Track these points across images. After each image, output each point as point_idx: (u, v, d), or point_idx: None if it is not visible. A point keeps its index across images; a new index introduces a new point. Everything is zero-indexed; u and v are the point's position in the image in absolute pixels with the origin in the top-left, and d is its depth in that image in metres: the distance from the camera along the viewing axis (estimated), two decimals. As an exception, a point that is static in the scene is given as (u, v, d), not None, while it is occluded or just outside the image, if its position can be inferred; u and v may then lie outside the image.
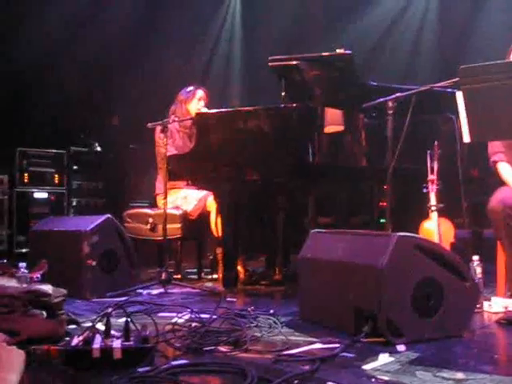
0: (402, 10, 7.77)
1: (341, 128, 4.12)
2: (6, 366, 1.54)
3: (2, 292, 2.80)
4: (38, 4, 6.54)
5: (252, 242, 4.93)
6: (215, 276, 4.91)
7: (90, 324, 2.66)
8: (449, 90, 3.51)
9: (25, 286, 3.11)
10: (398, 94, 3.58)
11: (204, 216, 4.87)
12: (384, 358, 2.37)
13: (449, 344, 2.61)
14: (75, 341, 2.29)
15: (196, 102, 5.08)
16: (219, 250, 4.70)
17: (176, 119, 4.88)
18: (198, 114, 4.48)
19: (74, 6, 6.78)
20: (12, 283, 3.20)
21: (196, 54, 7.79)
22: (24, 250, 6.10)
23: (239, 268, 4.59)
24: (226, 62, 8.27)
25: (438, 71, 7.01)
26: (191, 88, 5.15)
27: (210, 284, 4.67)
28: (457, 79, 2.85)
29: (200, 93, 5.12)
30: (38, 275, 3.38)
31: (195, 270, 5.13)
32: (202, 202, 4.87)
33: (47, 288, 2.93)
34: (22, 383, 1.58)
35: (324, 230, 3.35)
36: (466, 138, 2.76)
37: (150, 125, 4.41)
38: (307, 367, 2.22)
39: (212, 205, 4.76)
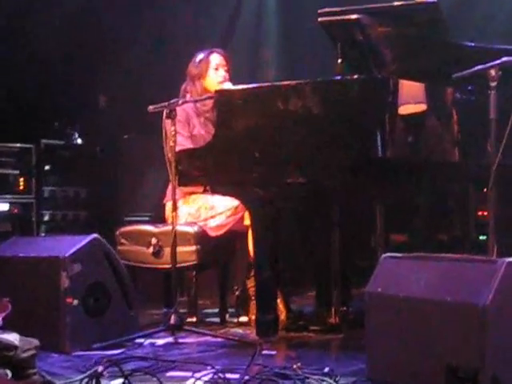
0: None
1: (422, 107, 4.10)
2: None
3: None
4: None
5: (297, 269, 4.92)
6: (245, 319, 4.90)
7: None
8: None
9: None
10: (504, 59, 3.53)
11: (233, 233, 4.87)
12: None
13: None
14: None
15: (214, 75, 5.09)
16: (251, 283, 4.69)
17: (189, 99, 4.90)
18: (218, 92, 4.48)
19: None
20: (-36, 331, 3.24)
21: (215, 6, 7.78)
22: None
23: (280, 307, 4.58)
24: (255, 18, 8.22)
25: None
26: (201, 55, 5.16)
27: (238, 330, 4.66)
28: None
29: (216, 58, 5.13)
30: (-1, 320, 3.41)
31: (217, 311, 5.13)
32: (235, 214, 4.84)
33: (12, 338, 2.96)
34: None
35: (400, 254, 3.32)
36: None
37: (151, 108, 4.41)
38: None
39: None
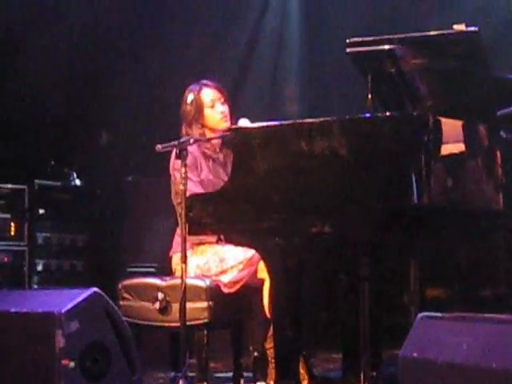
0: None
1: (462, 148, 4.09)
2: None
3: None
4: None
5: (321, 331, 4.90)
6: (263, 384, 4.88)
7: None
8: None
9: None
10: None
11: (248, 289, 4.85)
12: None
13: None
14: None
15: (211, 114, 5.08)
16: (270, 344, 4.67)
17: (201, 138, 4.92)
18: (234, 130, 4.50)
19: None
20: None
21: (229, 36, 7.83)
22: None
23: (302, 372, 4.55)
24: (276, 47, 8.23)
25: None
26: (191, 96, 5.11)
27: (255, 398, 4.64)
28: None
29: (208, 94, 5.10)
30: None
31: (230, 375, 5.11)
32: (248, 267, 4.84)
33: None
34: None
35: (438, 314, 3.30)
36: None
37: (159, 147, 4.42)
38: None
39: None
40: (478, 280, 5.35)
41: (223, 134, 4.79)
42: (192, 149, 4.89)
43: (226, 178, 4.76)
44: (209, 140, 5.00)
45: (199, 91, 5.13)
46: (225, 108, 5.10)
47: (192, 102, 5.10)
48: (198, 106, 5.09)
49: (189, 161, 4.80)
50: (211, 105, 5.09)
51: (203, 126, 5.07)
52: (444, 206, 3.95)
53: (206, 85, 5.17)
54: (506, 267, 5.40)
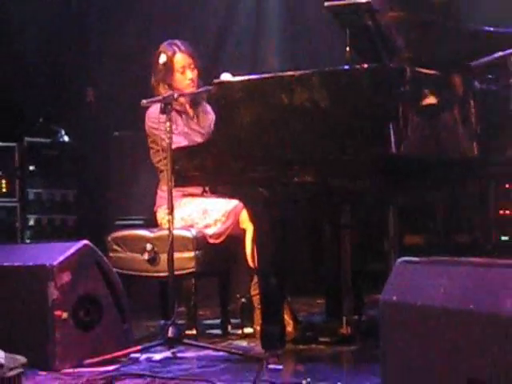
0: None
1: (436, 99, 4.09)
2: None
3: None
4: None
5: (304, 277, 4.92)
6: (249, 330, 4.90)
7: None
8: None
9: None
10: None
11: (232, 239, 4.87)
12: None
13: None
14: None
15: (180, 76, 5.10)
16: (255, 290, 4.69)
17: (186, 92, 4.92)
18: (216, 84, 4.48)
19: None
20: None
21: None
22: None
23: (286, 317, 4.57)
24: (255, 3, 8.16)
25: None
26: (164, 57, 5.10)
27: (241, 343, 4.67)
28: None
29: (180, 59, 5.13)
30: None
31: (218, 322, 5.15)
32: (231, 218, 4.86)
33: (-3, 355, 2.96)
34: None
35: (417, 259, 3.31)
36: None
37: (144, 102, 4.42)
38: None
39: (249, 220, 4.75)
40: (454, 226, 5.38)
41: (206, 88, 4.76)
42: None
43: (200, 130, 4.78)
44: (191, 94, 5.00)
45: (172, 55, 5.14)
46: (194, 74, 5.13)
47: (164, 63, 5.11)
48: (169, 69, 5.12)
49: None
50: (182, 71, 5.13)
51: (170, 86, 5.08)
52: (420, 155, 3.96)
53: (179, 49, 5.16)
54: (480, 213, 5.43)
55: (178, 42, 5.21)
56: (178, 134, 4.94)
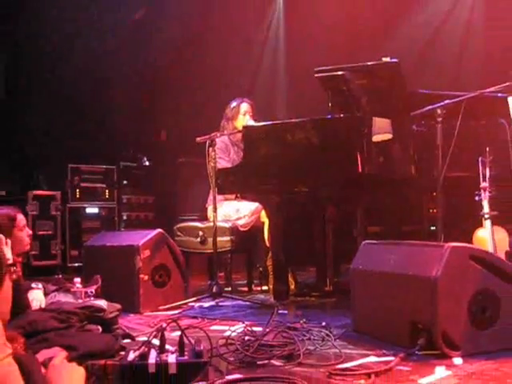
0: (448, 12, 7.54)
1: (389, 137, 4.08)
2: (67, 382, 1.57)
3: (59, 308, 2.86)
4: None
5: (302, 253, 4.91)
6: (265, 288, 4.90)
7: (144, 338, 2.69)
8: (499, 94, 3.46)
9: (80, 301, 3.18)
10: (447, 101, 3.54)
11: (255, 228, 4.87)
12: (441, 372, 2.33)
13: (507, 356, 2.54)
14: (131, 356, 2.30)
15: (242, 118, 5.04)
16: (269, 262, 4.69)
17: (224, 133, 4.91)
18: (245, 128, 4.50)
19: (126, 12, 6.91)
20: (68, 299, 3.27)
21: (243, 66, 7.78)
22: (77, 265, 6.22)
23: (290, 280, 4.57)
24: (271, 73, 8.19)
25: (486, 76, 6.84)
26: (235, 104, 5.09)
27: (260, 296, 4.65)
28: (508, 84, 2.81)
29: (244, 106, 5.06)
30: (92, 290, 3.44)
31: (245, 282, 5.13)
32: (255, 214, 4.86)
33: (102, 303, 2.99)
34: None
35: (375, 241, 3.32)
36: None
37: (198, 139, 4.42)
38: (362, 381, 2.20)
39: (266, 216, 4.74)
40: (401, 221, 5.35)
41: (239, 130, 4.76)
42: (225, 139, 4.92)
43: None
44: (229, 134, 4.98)
45: (241, 102, 5.09)
46: (251, 119, 5.00)
47: (234, 107, 5.08)
48: (236, 111, 5.07)
49: (222, 146, 4.85)
50: (244, 113, 5.04)
51: (234, 124, 5.02)
52: (378, 174, 3.95)
53: (246, 101, 5.12)
54: (418, 211, 5.41)
55: (245, 98, 5.18)
56: (228, 160, 4.94)
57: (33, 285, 3.17)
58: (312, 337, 2.95)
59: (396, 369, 2.38)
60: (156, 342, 2.46)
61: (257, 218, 4.87)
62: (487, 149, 4.01)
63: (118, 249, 4.23)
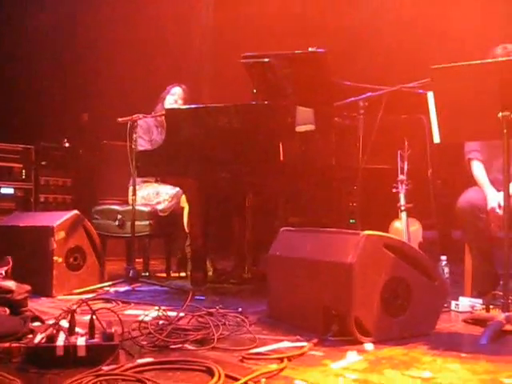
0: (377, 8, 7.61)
1: (311, 127, 4.09)
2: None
3: (-36, 288, 2.73)
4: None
5: (221, 240, 4.89)
6: (184, 274, 4.86)
7: (53, 321, 2.59)
8: (420, 90, 3.52)
9: (-13, 282, 3.04)
10: (368, 94, 3.58)
11: (175, 213, 4.81)
12: (352, 357, 2.36)
13: (415, 342, 2.61)
14: (38, 338, 2.23)
15: (170, 99, 5.01)
16: (188, 248, 4.65)
17: (147, 115, 4.82)
18: (167, 110, 4.41)
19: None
20: (-26, 279, 3.12)
21: (171, 50, 7.66)
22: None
23: (208, 266, 4.54)
24: (198, 59, 8.12)
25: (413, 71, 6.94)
26: (169, 87, 5.08)
27: (178, 282, 4.60)
28: (428, 80, 2.86)
29: (175, 90, 5.04)
30: (2, 272, 3.30)
31: (164, 268, 5.06)
32: (175, 199, 4.81)
33: (10, 284, 2.87)
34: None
35: (293, 228, 3.32)
36: (436, 139, 2.77)
37: (120, 119, 4.32)
38: (274, 365, 2.19)
39: (186, 201, 4.68)
40: (322, 212, 5.39)
41: (161, 113, 4.68)
42: (149, 119, 4.83)
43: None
44: (153, 117, 4.88)
45: (173, 86, 5.07)
46: (181, 102, 5.00)
47: (166, 91, 5.05)
48: (165, 93, 5.06)
49: (144, 126, 4.79)
50: (173, 96, 5.02)
51: (162, 106, 4.97)
52: (299, 163, 3.96)
53: (180, 85, 5.09)
54: (338, 203, 5.46)
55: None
56: (147, 141, 4.86)
57: None
58: (227, 322, 2.93)
59: (309, 354, 2.39)
60: (66, 324, 2.38)
61: (177, 203, 4.82)
62: (406, 143, 4.10)
63: (32, 229, 4.09)
